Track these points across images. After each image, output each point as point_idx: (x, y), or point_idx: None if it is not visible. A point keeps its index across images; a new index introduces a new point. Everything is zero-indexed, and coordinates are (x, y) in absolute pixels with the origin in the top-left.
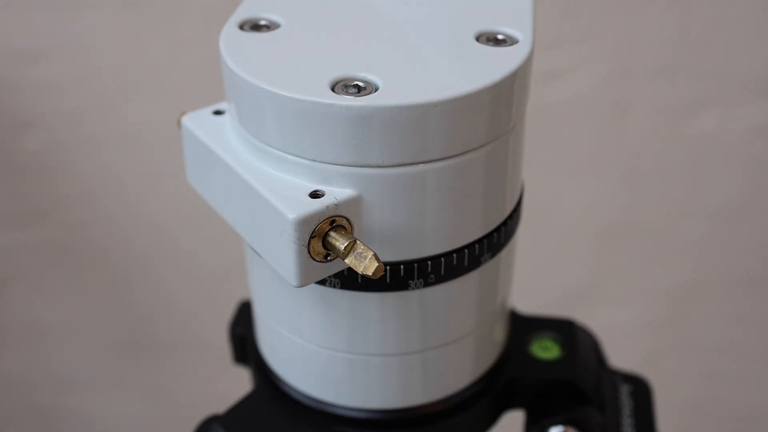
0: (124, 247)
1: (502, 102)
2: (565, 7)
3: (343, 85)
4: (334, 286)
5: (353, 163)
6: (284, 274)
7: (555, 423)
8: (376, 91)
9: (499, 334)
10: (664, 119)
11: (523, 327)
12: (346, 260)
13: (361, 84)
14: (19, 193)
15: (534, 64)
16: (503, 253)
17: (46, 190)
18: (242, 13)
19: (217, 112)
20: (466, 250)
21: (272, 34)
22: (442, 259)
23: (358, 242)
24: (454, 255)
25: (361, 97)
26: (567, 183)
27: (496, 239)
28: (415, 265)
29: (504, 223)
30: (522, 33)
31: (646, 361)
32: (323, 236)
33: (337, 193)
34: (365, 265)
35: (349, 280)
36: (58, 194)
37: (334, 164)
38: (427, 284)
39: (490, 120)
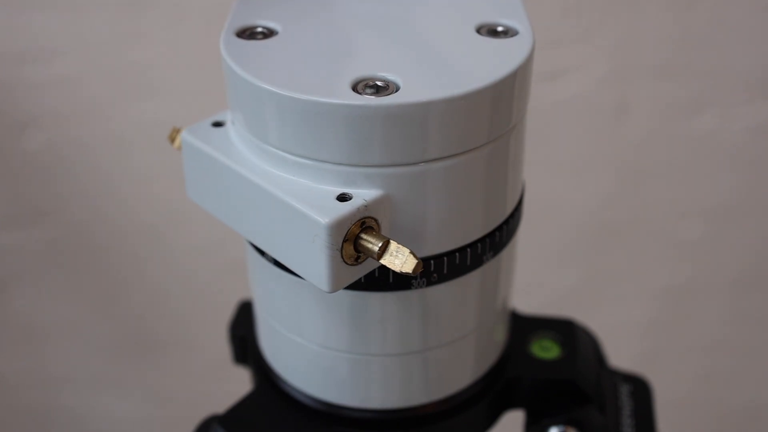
0: (124, 247)
1: (521, 90)
2: (565, 7)
3: (364, 86)
4: None
5: (380, 163)
6: (315, 281)
7: (555, 423)
8: (397, 89)
9: (500, 334)
10: (663, 119)
11: (523, 327)
12: (382, 261)
13: (380, 84)
14: (19, 193)
15: (534, 64)
16: (504, 252)
17: (45, 191)
18: (236, 22)
19: (217, 124)
20: (468, 249)
21: (274, 40)
22: (445, 258)
23: (392, 241)
24: (457, 254)
25: (391, 96)
26: (567, 183)
27: (498, 238)
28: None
29: (506, 221)
30: (520, 23)
31: (646, 361)
32: (354, 239)
33: (364, 194)
34: (403, 263)
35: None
36: (57, 194)
37: (360, 166)
38: (429, 283)
39: (510, 108)
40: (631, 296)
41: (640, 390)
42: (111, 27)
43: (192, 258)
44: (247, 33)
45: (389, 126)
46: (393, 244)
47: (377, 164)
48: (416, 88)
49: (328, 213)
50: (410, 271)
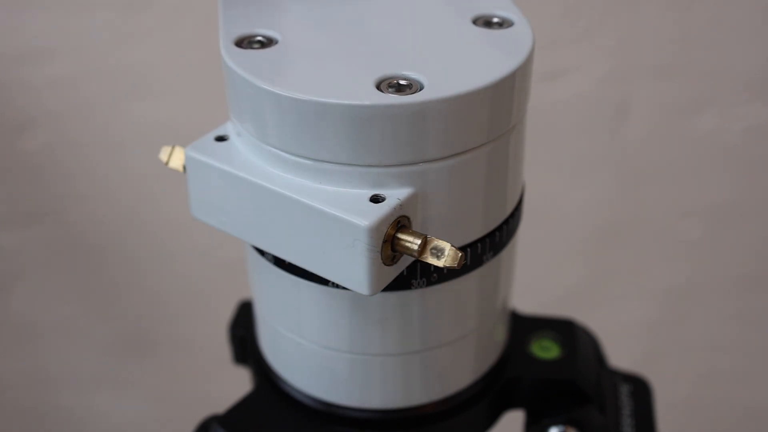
0: (123, 247)
1: (524, 86)
2: (565, 7)
3: (387, 85)
4: (337, 286)
5: (411, 161)
6: (353, 286)
7: (555, 423)
8: (422, 87)
9: (500, 334)
10: (663, 119)
11: (523, 327)
12: (423, 257)
13: (403, 82)
14: (19, 193)
15: (534, 63)
16: (504, 253)
17: (45, 191)
18: (231, 32)
19: (220, 138)
20: (468, 249)
21: (277, 48)
22: None
23: (430, 237)
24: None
25: (423, 92)
26: (567, 183)
27: (498, 238)
28: (418, 263)
29: (506, 221)
30: (512, 14)
31: (646, 361)
32: (391, 239)
33: (396, 193)
34: (445, 258)
35: None
36: (57, 194)
37: (392, 166)
38: (429, 283)
39: (519, 99)
40: (632, 296)
41: (640, 390)
42: (109, 28)
43: (191, 258)
44: (245, 42)
45: (424, 123)
46: (432, 240)
47: (408, 162)
48: (442, 84)
49: (366, 216)
50: (454, 265)
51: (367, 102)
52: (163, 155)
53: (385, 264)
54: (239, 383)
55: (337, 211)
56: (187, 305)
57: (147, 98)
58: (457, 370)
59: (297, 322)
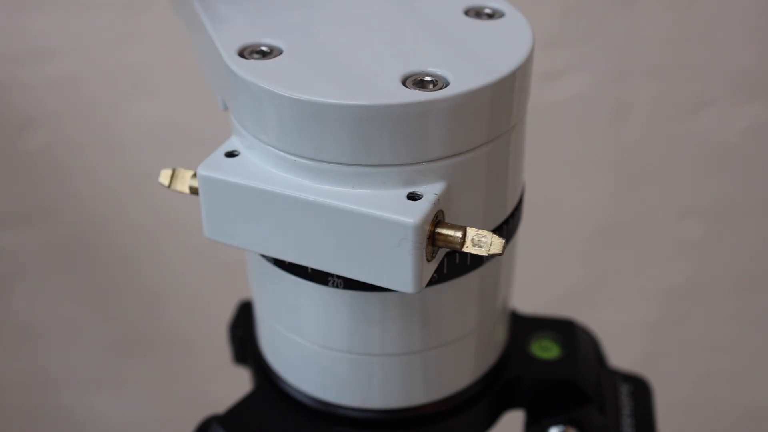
0: (123, 247)
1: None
2: (565, 7)
3: (412, 82)
4: (337, 286)
5: (443, 156)
6: (397, 286)
7: (555, 423)
8: (447, 82)
9: (500, 334)
10: (663, 119)
11: (522, 327)
12: (465, 248)
13: (427, 79)
14: (19, 193)
15: (534, 62)
16: (504, 252)
17: (45, 191)
18: (229, 44)
19: (230, 154)
20: None
21: (288, 56)
22: (445, 258)
23: (469, 228)
24: (457, 254)
25: (451, 86)
26: (566, 183)
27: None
28: None
29: (506, 221)
30: (499, 4)
31: (646, 361)
32: (431, 235)
33: (431, 189)
34: (491, 246)
35: (351, 280)
36: (57, 194)
37: (424, 162)
38: (429, 283)
39: (528, 87)
40: (632, 296)
41: (640, 390)
42: (110, 28)
43: (191, 258)
44: (248, 52)
45: (462, 115)
46: (471, 230)
47: (440, 157)
48: (466, 77)
49: (411, 214)
50: (499, 251)
51: (411, 100)
52: (164, 179)
53: (427, 260)
54: (239, 383)
55: (382, 212)
56: (187, 305)
57: (147, 98)
58: (457, 370)
59: (297, 322)
